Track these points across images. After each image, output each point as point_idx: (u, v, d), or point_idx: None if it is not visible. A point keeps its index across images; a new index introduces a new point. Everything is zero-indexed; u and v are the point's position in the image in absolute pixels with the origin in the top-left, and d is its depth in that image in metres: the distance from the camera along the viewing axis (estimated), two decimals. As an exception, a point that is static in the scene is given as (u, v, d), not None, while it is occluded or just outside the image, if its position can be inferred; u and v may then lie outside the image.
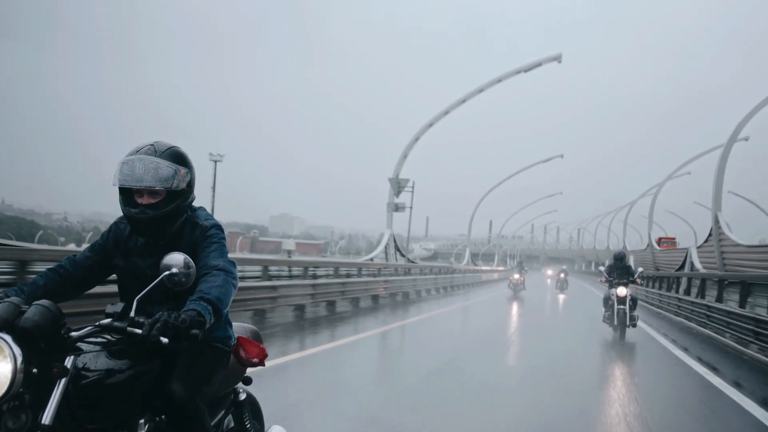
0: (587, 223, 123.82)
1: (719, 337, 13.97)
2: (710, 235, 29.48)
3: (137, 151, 2.68)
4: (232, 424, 3.29)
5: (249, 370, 3.30)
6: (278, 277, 14.61)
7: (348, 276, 18.85)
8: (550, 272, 52.72)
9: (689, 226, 63.99)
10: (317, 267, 17.60)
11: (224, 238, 2.88)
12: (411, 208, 33.01)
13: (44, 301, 2.22)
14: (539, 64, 28.74)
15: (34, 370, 2.10)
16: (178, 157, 2.74)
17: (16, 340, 2.08)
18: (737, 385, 8.45)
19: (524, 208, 73.14)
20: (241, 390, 3.38)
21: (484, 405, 6.85)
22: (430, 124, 30.13)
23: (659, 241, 58.64)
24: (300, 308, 14.22)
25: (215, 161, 54.54)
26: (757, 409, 6.94)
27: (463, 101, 30.18)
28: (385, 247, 28.81)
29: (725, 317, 13.94)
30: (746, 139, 36.31)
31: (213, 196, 54.85)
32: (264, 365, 3.17)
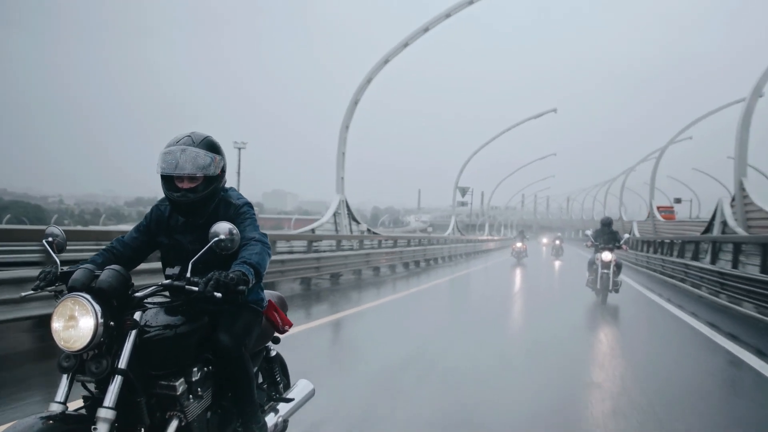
0: (577, 194, 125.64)
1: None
2: (733, 200, 22.33)
3: (177, 142, 2.99)
4: (261, 380, 3.69)
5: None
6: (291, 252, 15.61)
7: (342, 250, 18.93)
8: (545, 240, 52.95)
9: (693, 193, 63.24)
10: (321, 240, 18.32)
11: (254, 214, 3.23)
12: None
13: (115, 266, 2.60)
14: None
15: (111, 323, 2.47)
16: (212, 146, 3.07)
17: (94, 298, 2.45)
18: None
19: (518, 171, 70.59)
20: (271, 347, 3.78)
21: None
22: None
23: (657, 210, 58.49)
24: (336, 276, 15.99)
25: (239, 148, 60.89)
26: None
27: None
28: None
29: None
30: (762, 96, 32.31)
31: (238, 180, 59.76)
32: (283, 333, 3.61)
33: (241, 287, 2.68)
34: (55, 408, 2.39)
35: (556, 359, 7.61)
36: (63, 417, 2.36)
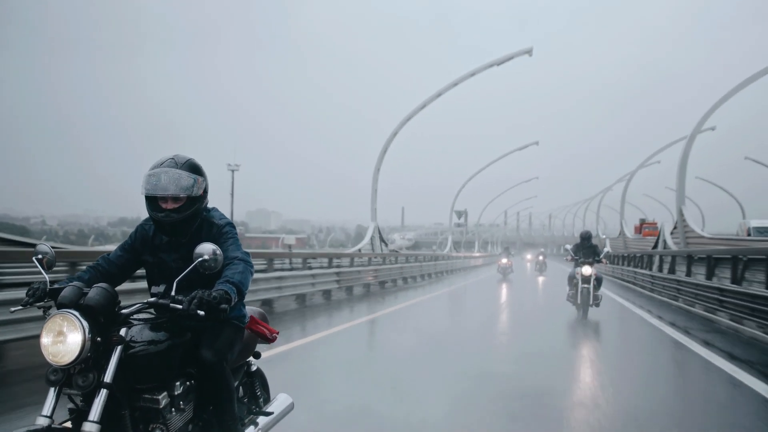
0: (559, 211, 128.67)
1: (690, 308, 14.85)
2: (675, 227, 33.45)
3: (161, 164, 3.08)
4: (241, 394, 3.75)
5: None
6: (281, 270, 15.69)
7: (339, 266, 19.22)
8: (529, 256, 53.42)
9: (667, 209, 65.60)
10: (314, 258, 19.64)
11: (236, 234, 3.32)
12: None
13: (102, 284, 2.70)
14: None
15: (98, 339, 2.56)
16: (195, 168, 3.16)
17: (82, 315, 2.54)
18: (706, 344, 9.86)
19: (503, 194, 72.60)
20: (252, 362, 3.84)
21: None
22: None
23: (641, 225, 60.27)
24: (301, 297, 14.83)
25: (232, 171, 62.63)
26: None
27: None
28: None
29: (694, 290, 14.92)
30: (713, 129, 37.91)
31: (232, 202, 61.84)
32: (273, 341, 3.71)
33: (223, 305, 2.77)
34: (42, 421, 2.46)
35: (537, 373, 7.69)
36: (49, 431, 2.42)
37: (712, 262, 14.94)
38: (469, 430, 5.08)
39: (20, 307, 2.87)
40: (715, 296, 12.91)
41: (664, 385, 7.35)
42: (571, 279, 13.41)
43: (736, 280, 12.69)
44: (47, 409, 2.51)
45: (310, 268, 17.65)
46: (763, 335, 9.98)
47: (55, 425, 2.50)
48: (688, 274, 17.25)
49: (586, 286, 12.91)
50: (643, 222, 63.34)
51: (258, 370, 3.94)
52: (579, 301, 13.01)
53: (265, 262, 14.99)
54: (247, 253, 3.20)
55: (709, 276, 14.92)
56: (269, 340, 3.67)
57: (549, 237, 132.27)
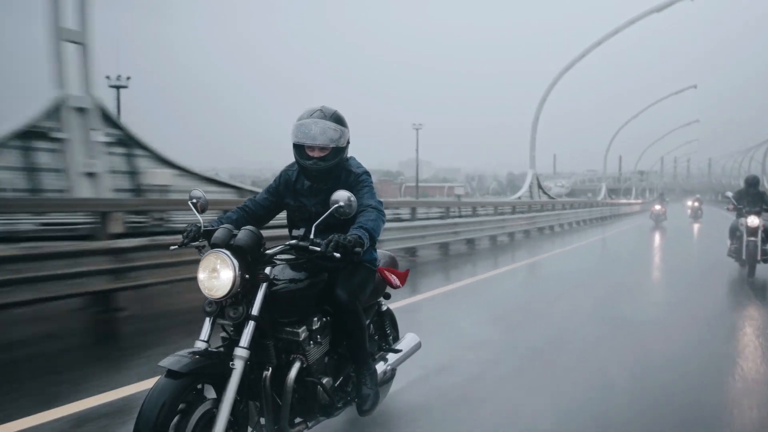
0: (721, 159, 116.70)
1: None
2: None
3: (310, 115, 3.18)
4: (372, 331, 3.88)
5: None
6: (452, 217, 17.06)
7: (502, 214, 20.89)
8: (689, 203, 50.39)
9: None
10: (483, 206, 21.02)
11: (372, 183, 3.37)
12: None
13: (250, 227, 2.89)
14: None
15: (246, 276, 2.76)
16: (340, 120, 3.24)
17: (233, 254, 2.74)
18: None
19: (661, 139, 68.59)
20: (383, 302, 3.97)
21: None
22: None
23: None
24: (471, 241, 16.64)
25: (417, 129, 64.58)
26: None
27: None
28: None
29: None
30: None
31: (417, 160, 66.90)
32: (401, 287, 3.71)
33: (357, 249, 2.87)
34: (200, 345, 2.72)
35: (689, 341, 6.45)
36: (206, 353, 2.68)
37: None
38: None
39: (176, 247, 3.14)
40: None
41: None
42: (734, 231, 11.58)
43: None
44: (204, 335, 2.77)
45: (477, 215, 19.03)
46: None
47: (211, 349, 2.76)
48: None
49: (752, 239, 10.83)
50: None
51: (388, 310, 4.05)
52: (744, 257, 10.99)
53: (441, 210, 17.34)
54: (380, 202, 3.26)
55: None
56: (392, 286, 3.71)
57: (707, 184, 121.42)
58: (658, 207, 30.95)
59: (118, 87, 37.60)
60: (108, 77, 37.00)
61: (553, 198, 34.98)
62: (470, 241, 16.51)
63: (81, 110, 10.10)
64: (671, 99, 44.83)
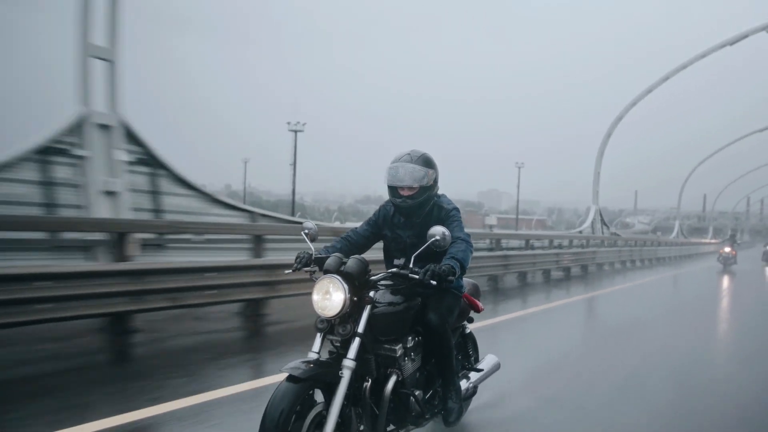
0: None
1: None
2: None
3: (399, 159, 3.58)
4: (456, 352, 4.13)
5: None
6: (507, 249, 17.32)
7: (560, 247, 21.29)
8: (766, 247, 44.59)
9: None
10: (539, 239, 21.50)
11: (461, 217, 3.72)
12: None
13: (358, 256, 3.26)
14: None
15: (354, 299, 3.12)
16: (427, 162, 3.60)
17: (344, 279, 3.07)
18: None
19: (742, 177, 64.59)
20: (466, 326, 4.31)
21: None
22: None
23: None
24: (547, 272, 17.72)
25: (519, 167, 64.70)
26: None
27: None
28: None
29: None
30: None
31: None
32: (480, 311, 4.10)
33: (450, 277, 3.23)
34: (312, 356, 3.11)
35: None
36: (318, 362, 3.06)
37: None
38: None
39: (290, 271, 3.51)
40: None
41: None
42: None
43: None
44: (316, 347, 3.15)
45: (533, 247, 19.22)
46: None
47: (322, 359, 3.13)
48: None
49: None
50: None
51: (470, 333, 4.41)
52: None
53: (521, 242, 18.74)
54: (469, 235, 3.60)
55: None
56: (477, 310, 4.09)
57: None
58: (727, 249, 28.04)
59: (295, 131, 45.88)
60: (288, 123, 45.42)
61: (617, 234, 33.60)
62: (546, 272, 17.63)
63: (104, 127, 9.76)
64: (755, 136, 41.97)
